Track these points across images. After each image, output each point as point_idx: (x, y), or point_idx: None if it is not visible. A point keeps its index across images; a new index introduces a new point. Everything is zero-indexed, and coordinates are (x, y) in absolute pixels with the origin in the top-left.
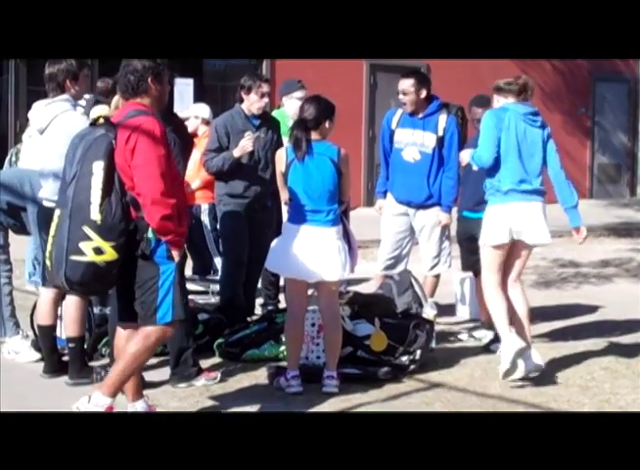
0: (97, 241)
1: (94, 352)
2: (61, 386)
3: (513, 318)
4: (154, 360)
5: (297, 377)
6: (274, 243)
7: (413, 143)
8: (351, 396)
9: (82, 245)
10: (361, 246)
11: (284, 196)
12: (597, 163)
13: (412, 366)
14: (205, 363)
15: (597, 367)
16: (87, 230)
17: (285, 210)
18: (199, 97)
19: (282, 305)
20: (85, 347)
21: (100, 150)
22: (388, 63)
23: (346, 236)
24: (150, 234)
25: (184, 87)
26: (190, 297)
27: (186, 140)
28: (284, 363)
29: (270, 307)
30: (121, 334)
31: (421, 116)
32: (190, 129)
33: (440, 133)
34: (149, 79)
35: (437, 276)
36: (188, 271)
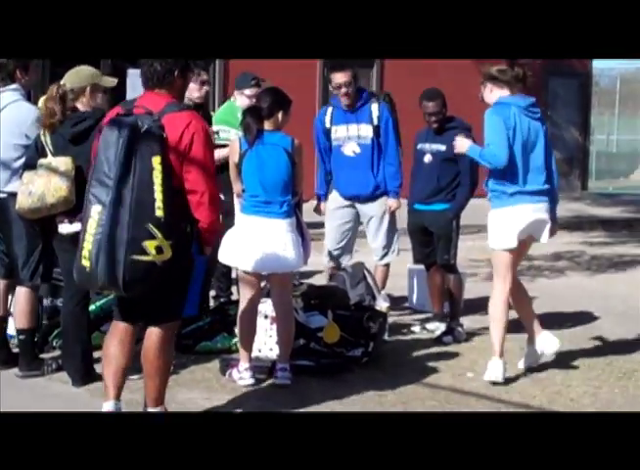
0: (160, 239)
1: (45, 345)
2: (11, 378)
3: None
4: None
5: (250, 369)
6: (227, 235)
7: (351, 137)
8: (304, 388)
9: (146, 244)
10: (314, 238)
11: (237, 187)
12: None
13: (365, 358)
14: None
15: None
16: (152, 228)
17: (237, 201)
18: None
19: (234, 297)
20: (36, 339)
21: (155, 144)
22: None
23: (299, 228)
24: (189, 229)
25: (136, 78)
26: None
27: None
28: (236, 355)
29: (223, 300)
30: (119, 332)
31: (352, 109)
32: None
33: (375, 122)
34: (176, 72)
35: (388, 266)
36: None
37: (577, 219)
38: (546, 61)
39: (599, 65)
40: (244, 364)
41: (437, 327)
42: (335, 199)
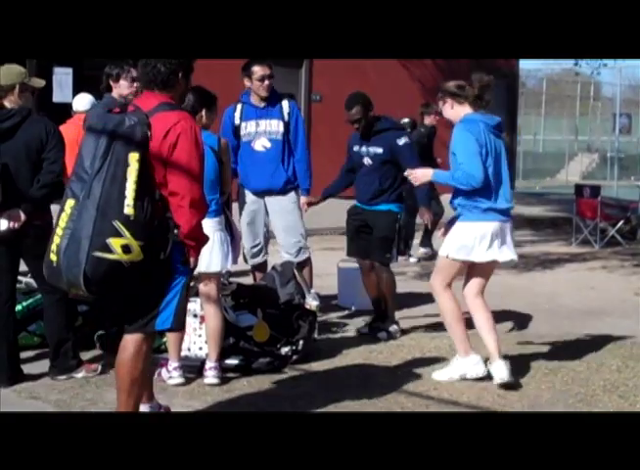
0: (127, 238)
1: None
2: None
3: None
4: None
5: (179, 368)
6: None
7: (261, 132)
8: (233, 386)
9: (111, 241)
10: (243, 237)
11: None
12: None
13: (294, 357)
14: (85, 355)
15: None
16: (119, 226)
17: None
18: (78, 86)
19: None
20: None
21: (134, 140)
22: None
23: (229, 227)
24: (174, 237)
25: (63, 76)
26: None
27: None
28: (166, 355)
29: None
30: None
31: (262, 105)
32: None
33: (286, 118)
34: (180, 74)
35: (309, 262)
36: None
37: None
38: (473, 61)
39: (526, 66)
40: (173, 363)
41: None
42: (247, 198)
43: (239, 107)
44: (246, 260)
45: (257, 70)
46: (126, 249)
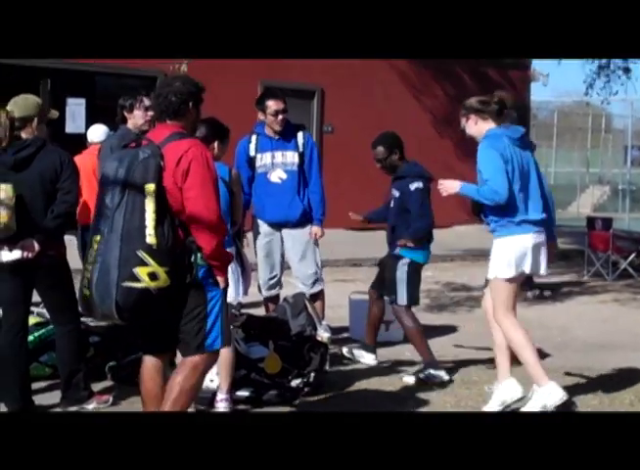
0: (153, 266)
1: None
2: None
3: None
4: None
5: None
6: None
7: (276, 164)
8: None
9: (137, 270)
10: (254, 269)
11: None
12: None
13: (306, 389)
14: (96, 386)
15: (487, 389)
16: (143, 255)
17: None
18: (91, 117)
19: None
20: None
21: (150, 171)
22: (282, 85)
23: (239, 258)
24: (199, 259)
25: (76, 107)
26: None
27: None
28: None
29: None
30: (149, 365)
31: (277, 137)
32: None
33: (301, 149)
34: (190, 104)
35: (323, 294)
36: None
37: None
38: (481, 92)
39: (537, 98)
40: None
41: (363, 355)
42: (262, 228)
43: (254, 138)
44: (260, 291)
45: (271, 105)
46: (153, 276)
